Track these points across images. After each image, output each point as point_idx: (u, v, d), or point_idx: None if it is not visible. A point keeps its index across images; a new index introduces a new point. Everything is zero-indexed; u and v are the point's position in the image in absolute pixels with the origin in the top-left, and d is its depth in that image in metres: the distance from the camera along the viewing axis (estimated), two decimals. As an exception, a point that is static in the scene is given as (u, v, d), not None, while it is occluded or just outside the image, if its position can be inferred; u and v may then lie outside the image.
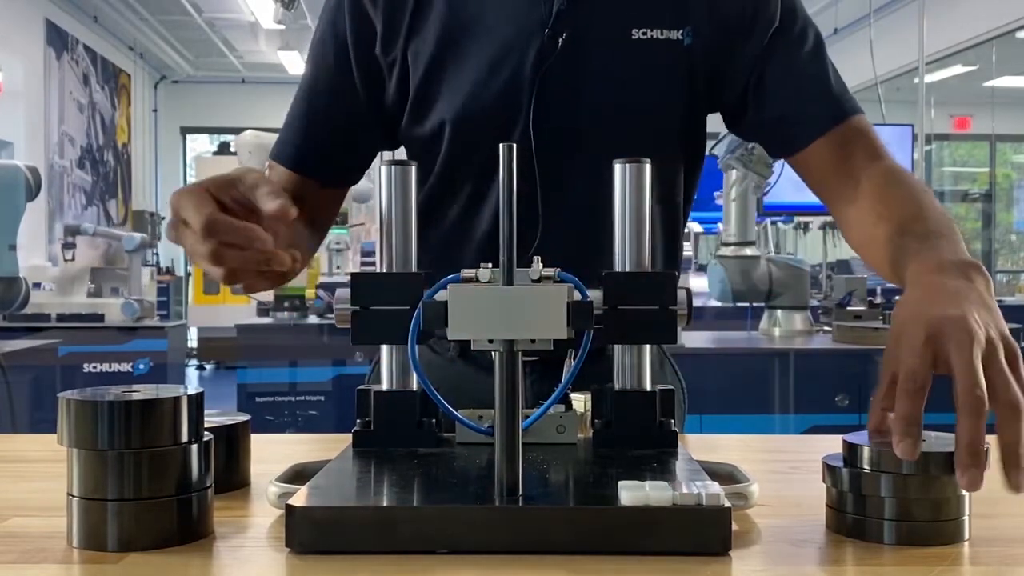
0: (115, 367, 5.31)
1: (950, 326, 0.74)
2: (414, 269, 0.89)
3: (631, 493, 0.67)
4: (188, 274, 10.39)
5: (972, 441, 0.69)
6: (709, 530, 0.67)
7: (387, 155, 1.35)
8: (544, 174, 1.11)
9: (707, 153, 1.28)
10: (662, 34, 1.12)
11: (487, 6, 1.14)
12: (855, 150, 1.12)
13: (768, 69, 1.14)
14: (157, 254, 8.80)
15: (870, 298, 4.14)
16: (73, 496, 0.70)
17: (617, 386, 0.88)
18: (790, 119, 1.14)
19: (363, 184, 5.32)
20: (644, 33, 1.12)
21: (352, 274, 0.86)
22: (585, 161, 1.12)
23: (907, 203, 1.03)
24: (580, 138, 1.12)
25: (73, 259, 5.73)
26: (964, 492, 0.71)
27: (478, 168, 1.14)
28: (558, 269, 0.77)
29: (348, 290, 0.85)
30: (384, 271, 0.88)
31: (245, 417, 0.91)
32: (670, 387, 0.89)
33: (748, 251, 3.79)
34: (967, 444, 0.69)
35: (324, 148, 1.22)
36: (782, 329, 3.86)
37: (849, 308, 3.97)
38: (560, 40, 1.11)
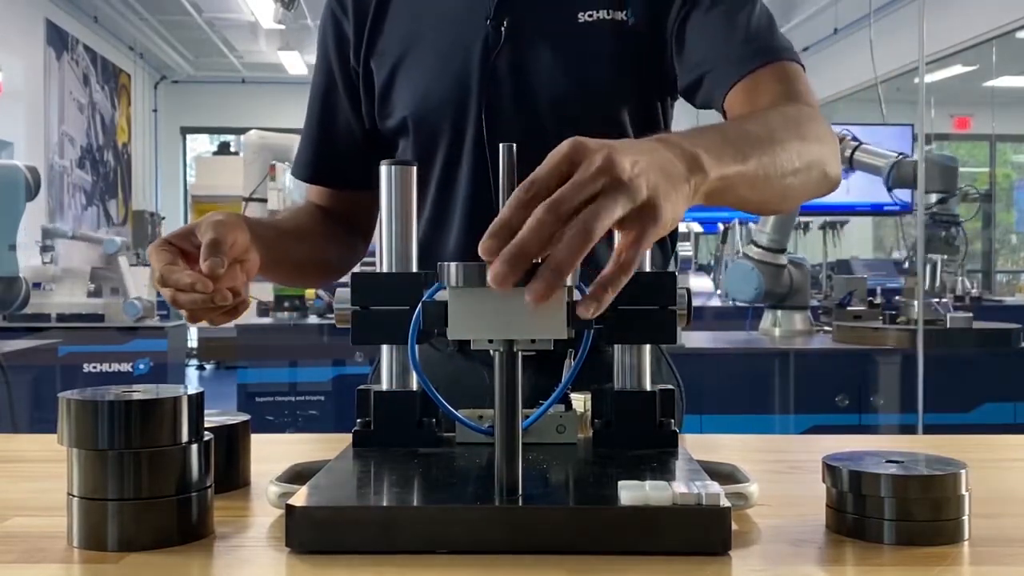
0: (115, 367, 5.30)
1: (591, 145, 0.65)
2: (414, 269, 0.89)
3: (631, 493, 0.67)
4: (188, 274, 10.37)
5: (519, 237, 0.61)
6: (709, 530, 0.66)
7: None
8: (495, 163, 1.14)
9: None
10: (608, 15, 1.13)
11: (439, 4, 1.19)
12: (765, 91, 1.05)
13: (687, 29, 1.12)
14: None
15: (870, 298, 4.14)
16: (73, 496, 0.70)
17: (617, 386, 0.88)
18: (706, 75, 1.10)
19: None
20: (590, 15, 1.13)
21: (352, 274, 0.86)
22: (541, 149, 1.13)
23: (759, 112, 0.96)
24: (534, 126, 1.14)
25: (52, 262, 5.70)
26: (964, 492, 0.71)
27: (444, 159, 1.19)
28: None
29: (348, 290, 0.85)
30: (384, 271, 0.88)
31: (245, 417, 0.91)
32: (670, 387, 0.89)
33: (783, 258, 3.78)
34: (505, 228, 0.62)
35: (332, 157, 1.29)
36: (782, 329, 3.86)
37: (849, 308, 3.97)
38: (503, 29, 1.13)
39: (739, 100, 1.05)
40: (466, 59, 1.15)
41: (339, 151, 1.28)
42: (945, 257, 3.63)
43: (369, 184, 1.28)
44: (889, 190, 3.63)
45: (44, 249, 5.73)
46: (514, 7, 1.14)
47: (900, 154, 3.58)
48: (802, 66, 1.08)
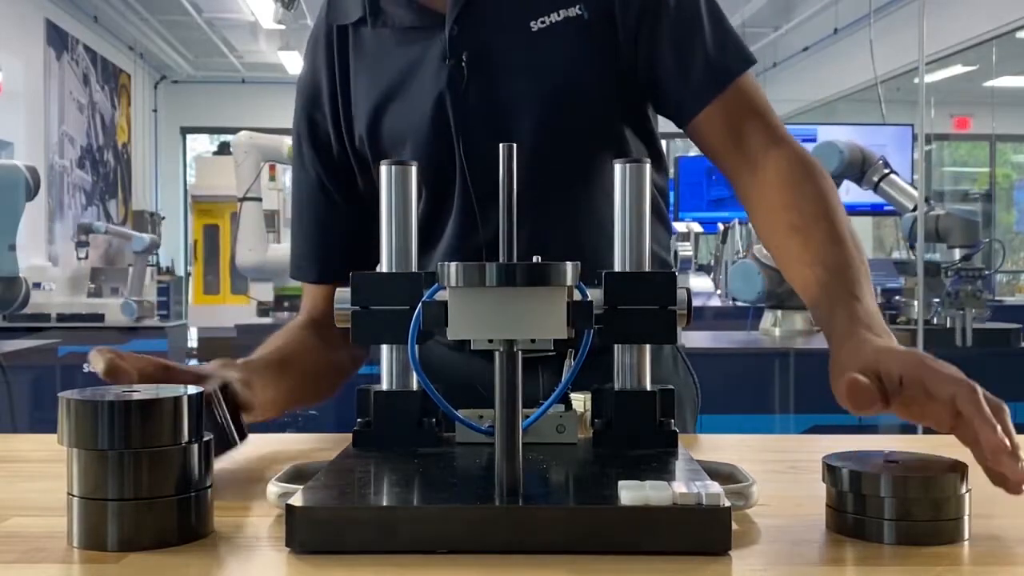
0: (115, 367, 5.30)
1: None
2: (414, 269, 0.89)
3: (631, 493, 0.67)
4: (188, 274, 10.38)
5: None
6: (709, 530, 0.66)
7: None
8: (480, 199, 1.14)
9: None
10: (560, 15, 1.12)
11: (398, 57, 1.17)
12: (747, 125, 1.11)
13: (649, 43, 1.13)
14: (157, 254, 8.81)
15: (870, 298, 4.13)
16: (73, 496, 0.70)
17: (617, 386, 0.88)
18: (674, 94, 1.14)
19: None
20: (543, 22, 1.13)
21: (352, 274, 0.86)
22: (527, 174, 1.11)
23: (824, 238, 1.01)
24: (519, 150, 1.12)
25: (87, 257, 5.73)
26: (964, 492, 0.71)
27: (432, 204, 1.17)
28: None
29: (348, 290, 0.85)
30: (384, 271, 0.88)
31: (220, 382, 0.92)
32: (670, 387, 0.88)
33: None
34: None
35: (336, 253, 1.24)
36: (782, 329, 3.86)
37: (849, 308, 3.96)
38: (464, 65, 1.12)
39: (716, 123, 1.12)
40: (437, 105, 1.13)
41: (341, 243, 1.24)
42: (975, 311, 3.63)
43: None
44: (911, 246, 3.64)
45: (79, 245, 5.76)
46: (465, 39, 1.12)
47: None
48: (753, 60, 1.15)
